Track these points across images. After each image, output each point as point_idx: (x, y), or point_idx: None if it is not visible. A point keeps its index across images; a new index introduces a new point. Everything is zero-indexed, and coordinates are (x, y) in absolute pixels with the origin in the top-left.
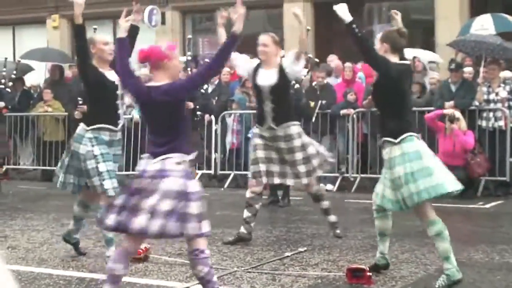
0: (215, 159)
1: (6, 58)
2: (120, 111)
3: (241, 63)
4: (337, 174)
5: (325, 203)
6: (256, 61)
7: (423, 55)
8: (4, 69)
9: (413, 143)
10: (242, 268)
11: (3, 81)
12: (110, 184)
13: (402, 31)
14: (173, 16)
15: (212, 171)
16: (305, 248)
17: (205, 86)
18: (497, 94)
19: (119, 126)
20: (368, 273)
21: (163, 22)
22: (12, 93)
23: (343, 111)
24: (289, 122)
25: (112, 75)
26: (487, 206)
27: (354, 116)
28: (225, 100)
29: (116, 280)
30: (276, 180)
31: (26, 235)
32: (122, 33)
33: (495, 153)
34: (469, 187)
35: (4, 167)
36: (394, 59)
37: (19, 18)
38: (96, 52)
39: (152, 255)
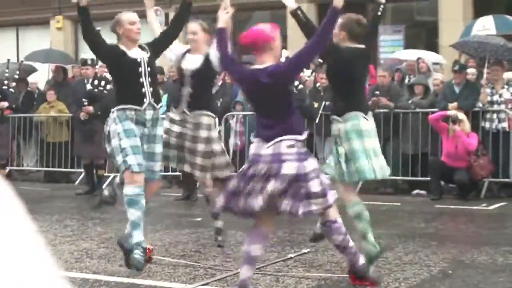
0: None
1: (9, 60)
2: (145, 89)
3: (175, 47)
4: None
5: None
6: (186, 47)
7: (427, 56)
8: (7, 70)
9: (358, 122)
10: None
11: (6, 82)
12: (134, 160)
13: (362, 21)
14: None
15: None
16: (309, 250)
17: None
18: (500, 95)
19: (145, 105)
20: None
21: (167, 23)
22: (16, 93)
23: None
24: (202, 111)
25: (136, 53)
26: (491, 207)
27: None
28: (228, 101)
29: (252, 261)
30: (187, 168)
31: None
32: (222, 23)
33: (499, 155)
34: (472, 188)
35: (7, 169)
36: (348, 44)
37: (22, 19)
38: (124, 33)
39: (156, 256)
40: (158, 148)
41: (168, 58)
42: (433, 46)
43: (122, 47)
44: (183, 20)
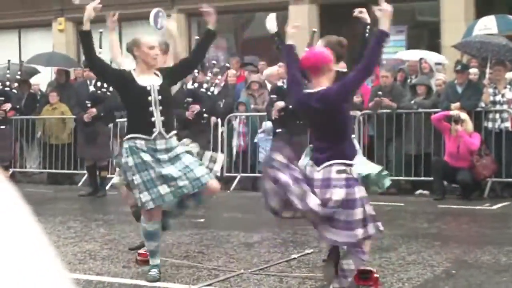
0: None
1: (9, 61)
2: (155, 119)
3: (128, 67)
4: None
5: None
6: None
7: (430, 57)
8: (8, 71)
9: None
10: (249, 270)
11: (7, 83)
12: (147, 196)
13: (343, 42)
14: (179, 18)
15: (218, 174)
16: (312, 250)
17: (212, 89)
18: (503, 95)
19: (154, 135)
20: (375, 275)
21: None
22: (19, 94)
23: (354, 113)
24: (174, 130)
25: (146, 80)
26: (494, 207)
27: (360, 118)
28: (231, 102)
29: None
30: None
31: None
32: (289, 39)
33: (502, 155)
34: (475, 188)
35: (10, 170)
36: (335, 67)
37: (24, 21)
38: (140, 56)
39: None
40: (187, 159)
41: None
42: (435, 46)
43: (133, 73)
44: (205, 49)
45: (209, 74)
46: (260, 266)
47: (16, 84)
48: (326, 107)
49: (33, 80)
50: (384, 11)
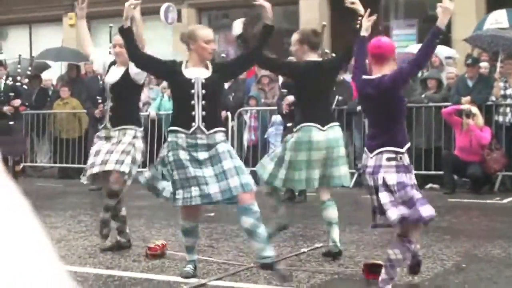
0: None
1: (20, 55)
2: (196, 113)
3: (97, 58)
4: (353, 170)
5: (106, 215)
6: (111, 57)
7: (441, 50)
8: (19, 66)
9: (305, 134)
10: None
11: (18, 78)
12: (181, 194)
13: (317, 31)
14: (189, 13)
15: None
16: (322, 244)
17: None
18: None
19: (192, 129)
20: None
21: (179, 20)
22: (29, 89)
23: (359, 107)
24: (126, 125)
25: (193, 73)
26: (504, 201)
27: None
28: (241, 96)
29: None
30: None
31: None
32: (365, 31)
33: None
34: (486, 182)
35: (21, 165)
36: (313, 56)
37: (35, 16)
38: (196, 49)
39: (169, 251)
40: (228, 164)
41: (95, 70)
42: (446, 40)
43: (183, 64)
44: (263, 45)
45: None
46: None
47: (26, 80)
48: (380, 93)
49: (44, 75)
50: (445, 9)
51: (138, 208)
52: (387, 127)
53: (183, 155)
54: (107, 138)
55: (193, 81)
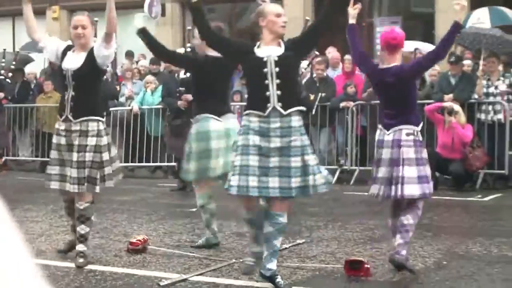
0: None
1: (4, 49)
2: (270, 93)
3: (49, 44)
4: (336, 167)
5: (85, 228)
6: (65, 43)
7: (425, 47)
8: (3, 60)
9: (208, 124)
10: (240, 260)
11: (2, 72)
12: (235, 181)
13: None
14: (173, 7)
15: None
16: (304, 240)
17: None
18: (496, 87)
19: (268, 111)
20: (366, 265)
21: (163, 14)
22: (12, 84)
23: (342, 104)
24: (89, 116)
25: (266, 51)
26: (486, 199)
27: (354, 108)
28: None
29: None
30: (69, 188)
31: (24, 226)
32: (352, 19)
33: (494, 146)
34: (467, 180)
35: (3, 158)
36: (210, 51)
37: (19, 9)
38: (267, 25)
39: (151, 246)
40: (294, 162)
41: (46, 58)
42: (429, 37)
43: (254, 44)
44: (333, 15)
45: None
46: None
47: (10, 74)
48: (399, 81)
49: (27, 69)
50: (462, 7)
51: (120, 203)
52: (404, 109)
53: (253, 141)
54: (68, 132)
55: (265, 59)
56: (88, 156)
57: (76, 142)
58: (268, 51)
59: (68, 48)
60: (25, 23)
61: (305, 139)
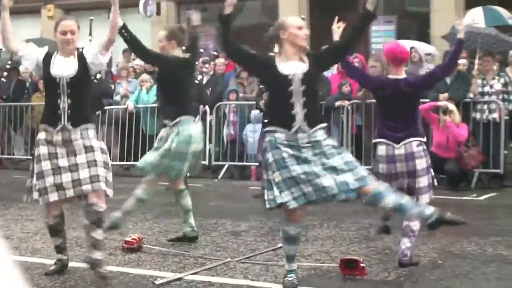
0: (209, 150)
1: (0, 49)
2: (295, 112)
3: (28, 53)
4: None
5: (99, 232)
6: (45, 49)
7: (421, 47)
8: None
9: (189, 127)
10: (235, 259)
11: None
12: (288, 196)
13: (183, 28)
14: (168, 6)
15: (206, 162)
16: None
17: (199, 77)
18: (491, 86)
19: (294, 130)
20: (362, 264)
21: (158, 13)
22: (7, 83)
23: (337, 103)
24: (88, 124)
25: (290, 67)
26: (481, 198)
27: (349, 107)
28: (219, 90)
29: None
30: (70, 193)
31: (19, 224)
32: (336, 37)
33: (489, 146)
34: (462, 179)
35: None
36: (178, 52)
37: (13, 7)
38: (288, 38)
39: (146, 245)
40: (337, 161)
41: (25, 68)
42: (425, 36)
43: (276, 58)
44: (362, 33)
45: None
46: (246, 254)
47: (5, 73)
48: (413, 91)
49: (22, 68)
50: (462, 28)
51: (115, 202)
52: (412, 120)
53: (285, 152)
54: (67, 142)
55: (290, 77)
56: (99, 156)
57: (81, 145)
58: (293, 67)
59: (48, 54)
60: (1, 32)
61: (333, 141)
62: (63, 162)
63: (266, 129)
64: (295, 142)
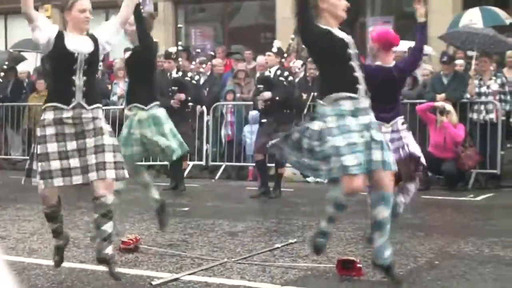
0: (206, 150)
1: None
2: (358, 75)
3: (44, 26)
4: None
5: (109, 225)
6: (56, 26)
7: None
8: None
9: (161, 110)
10: (232, 259)
11: None
12: (352, 161)
13: (154, 14)
14: (166, 6)
15: (203, 162)
16: (296, 240)
17: (196, 77)
18: (488, 87)
19: (359, 92)
20: (358, 265)
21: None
22: (4, 83)
23: None
24: (99, 103)
25: (341, 33)
26: (478, 198)
27: None
28: (217, 90)
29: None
30: (77, 180)
31: (16, 225)
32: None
33: (486, 146)
34: (460, 179)
35: None
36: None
37: (11, 7)
38: (327, 8)
39: (143, 245)
40: (380, 136)
41: (35, 38)
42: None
43: (324, 25)
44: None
45: (193, 62)
46: (243, 255)
47: (2, 74)
48: (401, 76)
49: (20, 68)
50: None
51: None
52: (397, 102)
53: (349, 121)
54: (77, 119)
55: (346, 40)
56: (108, 140)
57: (90, 127)
58: (341, 33)
59: (60, 32)
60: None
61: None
62: (71, 145)
63: (333, 96)
64: (357, 108)
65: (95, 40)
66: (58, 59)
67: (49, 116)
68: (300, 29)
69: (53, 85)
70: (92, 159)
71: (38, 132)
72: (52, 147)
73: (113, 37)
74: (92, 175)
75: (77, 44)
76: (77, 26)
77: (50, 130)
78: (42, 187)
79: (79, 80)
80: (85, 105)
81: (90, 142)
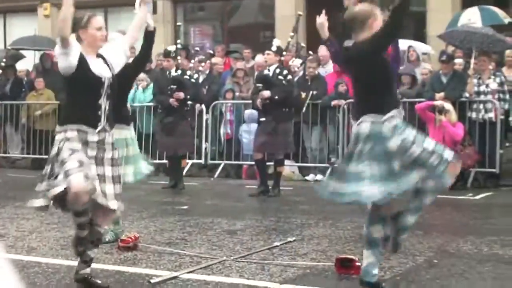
0: (205, 148)
1: None
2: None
3: (74, 50)
4: (327, 164)
5: (94, 251)
6: (78, 49)
7: (418, 46)
8: None
9: (128, 132)
10: (231, 258)
11: None
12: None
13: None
14: (165, 5)
15: (202, 161)
16: (295, 238)
17: (195, 76)
18: (487, 86)
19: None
20: (357, 263)
21: (154, 11)
22: (3, 81)
23: (333, 102)
24: (123, 124)
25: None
26: (477, 197)
27: (345, 107)
28: (216, 89)
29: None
30: (95, 187)
31: (15, 223)
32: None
33: (485, 145)
34: (458, 178)
35: None
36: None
37: (10, 6)
38: (371, 26)
39: (142, 243)
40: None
41: (62, 64)
42: (421, 36)
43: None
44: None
45: (192, 61)
46: (242, 253)
47: (0, 71)
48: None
49: (19, 66)
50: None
51: None
52: None
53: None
54: (100, 143)
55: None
56: (117, 171)
57: (109, 155)
58: None
59: (81, 54)
60: (64, 23)
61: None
62: (92, 168)
63: (390, 114)
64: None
65: (105, 61)
66: (84, 82)
67: (71, 135)
68: (382, 49)
69: (77, 107)
70: (110, 189)
71: (63, 145)
72: (81, 156)
73: (122, 59)
74: (113, 204)
75: (100, 68)
76: (93, 44)
77: (76, 146)
78: (75, 181)
79: (104, 104)
80: (108, 128)
81: (109, 170)
